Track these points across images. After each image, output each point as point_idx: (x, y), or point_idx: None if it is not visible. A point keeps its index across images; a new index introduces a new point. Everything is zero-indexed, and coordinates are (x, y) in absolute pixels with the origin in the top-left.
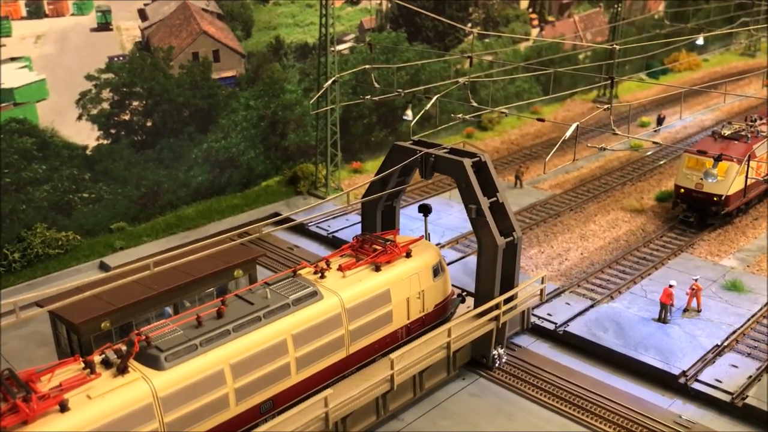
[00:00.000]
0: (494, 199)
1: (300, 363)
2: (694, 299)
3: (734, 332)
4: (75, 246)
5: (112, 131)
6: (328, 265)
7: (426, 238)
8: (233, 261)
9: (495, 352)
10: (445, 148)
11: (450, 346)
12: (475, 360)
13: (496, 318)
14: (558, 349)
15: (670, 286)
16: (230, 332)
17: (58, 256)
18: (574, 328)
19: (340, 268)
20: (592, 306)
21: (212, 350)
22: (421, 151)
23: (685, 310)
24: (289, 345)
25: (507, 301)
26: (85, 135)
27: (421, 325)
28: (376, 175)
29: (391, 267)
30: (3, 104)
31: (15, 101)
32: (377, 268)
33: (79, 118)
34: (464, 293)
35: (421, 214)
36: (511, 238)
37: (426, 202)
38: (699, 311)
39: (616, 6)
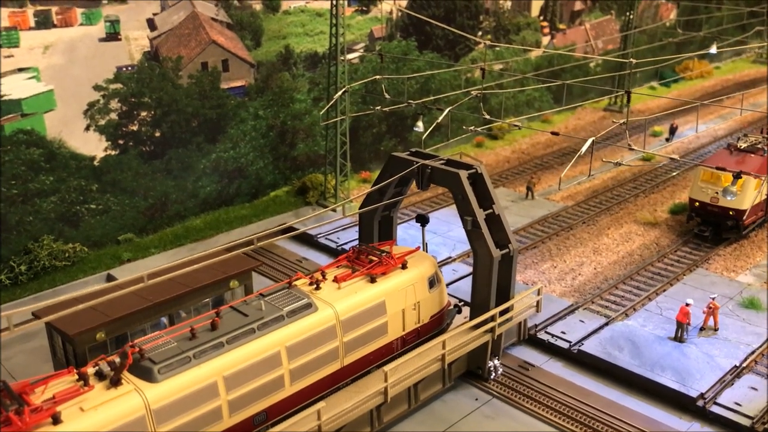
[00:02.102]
0: (490, 210)
1: (294, 375)
2: (711, 318)
3: (753, 352)
4: (82, 258)
5: (120, 142)
6: (323, 277)
7: (423, 249)
8: (229, 272)
9: (491, 363)
10: (441, 159)
11: (445, 358)
12: (471, 371)
13: (492, 330)
14: (572, 369)
15: (687, 305)
16: (224, 344)
17: (65, 268)
18: (589, 347)
19: (336, 280)
20: (606, 324)
21: (206, 362)
22: (417, 162)
23: (702, 329)
24: (283, 357)
25: (503, 312)
26: (93, 146)
27: (417, 336)
28: (374, 185)
29: (386, 278)
30: (11, 115)
31: (23, 112)
32: (372, 280)
33: (87, 128)
34: (461, 303)
35: (420, 225)
36: (507, 250)
37: (434, 213)
38: (716, 330)
39: (627, 14)
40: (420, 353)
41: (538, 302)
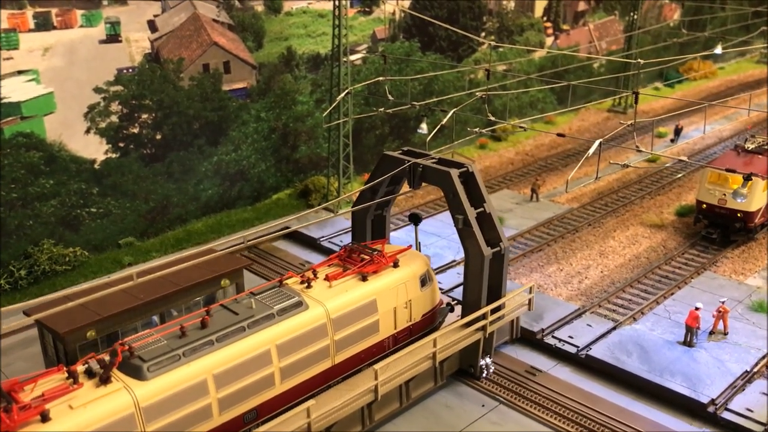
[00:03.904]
0: (481, 209)
1: (284, 373)
2: (721, 322)
3: (763, 357)
4: (83, 262)
5: (121, 145)
6: (314, 275)
7: (416, 248)
8: (220, 270)
9: (482, 362)
10: (433, 158)
11: (436, 356)
12: (462, 370)
13: (483, 328)
14: (580, 374)
15: (697, 309)
16: (214, 342)
17: (66, 272)
18: (597, 351)
19: (327, 278)
20: (614, 328)
21: (195, 360)
22: (409, 161)
23: (711, 333)
24: (273, 355)
25: (494, 311)
26: (94, 149)
27: (409, 334)
28: (366, 184)
29: (378, 277)
30: (10, 118)
31: (22, 115)
32: (364, 278)
33: (88, 131)
34: (454, 302)
35: (413, 224)
36: (498, 248)
37: (438, 216)
38: (726, 334)
39: (631, 14)
40: (411, 351)
41: (530, 300)
